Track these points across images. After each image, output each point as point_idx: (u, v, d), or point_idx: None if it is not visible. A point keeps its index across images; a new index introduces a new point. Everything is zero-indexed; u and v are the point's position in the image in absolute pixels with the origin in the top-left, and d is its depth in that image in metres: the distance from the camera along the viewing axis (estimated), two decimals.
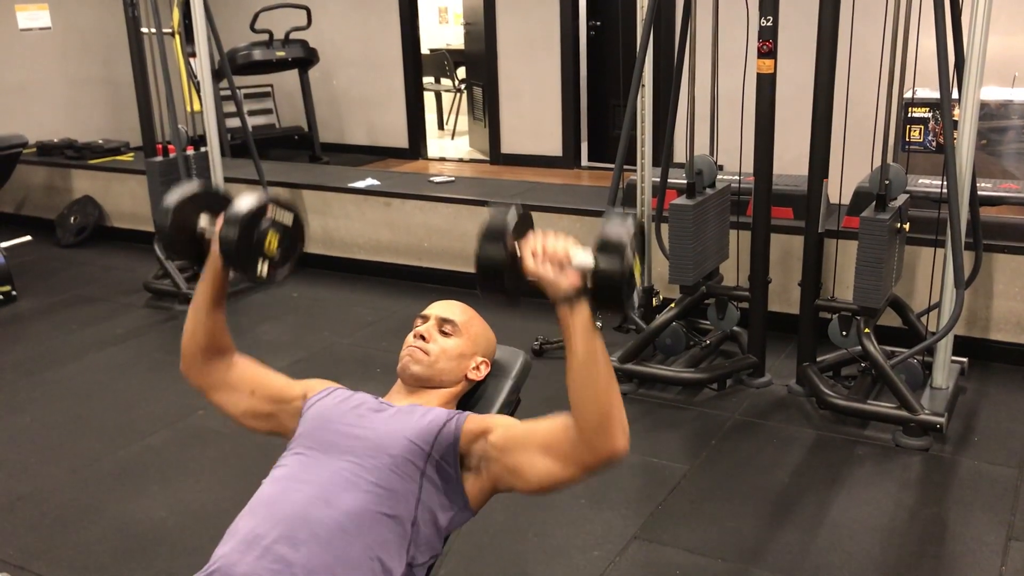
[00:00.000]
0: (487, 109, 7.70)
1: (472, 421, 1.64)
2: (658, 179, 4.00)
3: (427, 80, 8.98)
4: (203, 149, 5.09)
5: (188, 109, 5.56)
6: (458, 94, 9.43)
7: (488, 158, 7.80)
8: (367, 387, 1.84)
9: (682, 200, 3.68)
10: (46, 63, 7.50)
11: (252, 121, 7.19)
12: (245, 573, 1.47)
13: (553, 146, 7.43)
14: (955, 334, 3.45)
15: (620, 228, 1.44)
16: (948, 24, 3.13)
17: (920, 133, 4.97)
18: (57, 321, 4.83)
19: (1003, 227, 3.85)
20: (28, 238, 5.68)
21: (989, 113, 4.88)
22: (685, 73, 3.80)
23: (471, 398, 1.88)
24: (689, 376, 3.70)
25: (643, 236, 1.54)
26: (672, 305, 3.86)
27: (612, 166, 3.82)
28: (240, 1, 7.71)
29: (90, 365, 4.25)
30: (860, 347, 3.40)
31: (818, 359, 3.63)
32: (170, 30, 5.04)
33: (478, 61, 7.83)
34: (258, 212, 1.67)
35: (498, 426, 1.61)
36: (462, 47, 8.73)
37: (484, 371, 1.85)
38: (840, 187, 3.67)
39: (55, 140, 6.70)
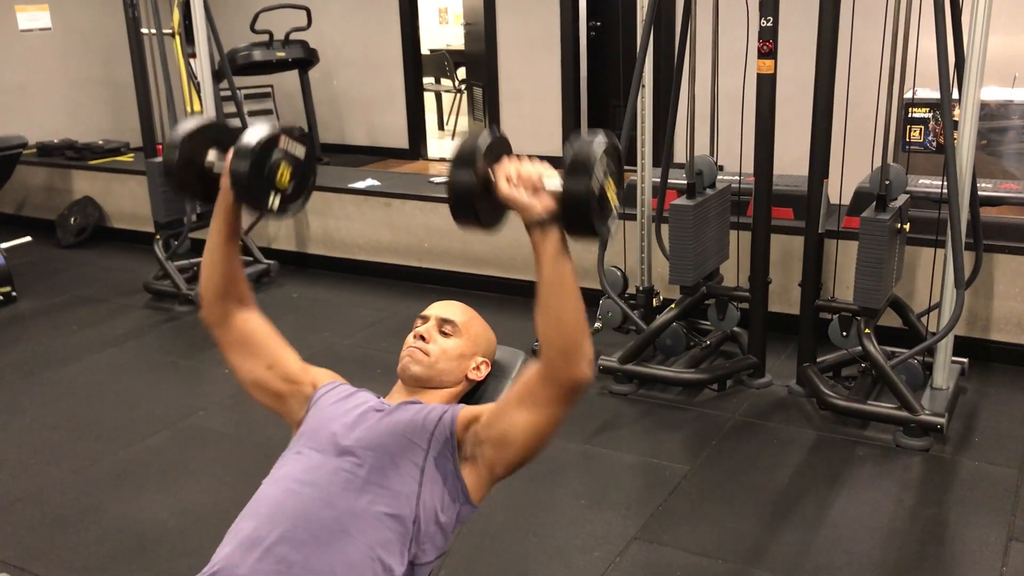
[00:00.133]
0: (487, 110, 7.70)
1: (465, 411, 1.65)
2: (658, 179, 4.00)
3: (427, 80, 8.98)
4: None
5: (188, 110, 5.55)
6: (458, 95, 9.43)
7: None
8: (367, 388, 1.84)
9: (682, 200, 3.68)
10: (46, 64, 7.49)
11: (252, 122, 7.17)
12: (246, 574, 1.47)
13: (553, 146, 7.42)
14: (955, 334, 3.45)
15: (588, 148, 1.40)
16: (948, 24, 3.13)
17: (920, 133, 4.97)
18: (57, 322, 4.83)
19: (1003, 227, 3.85)
20: (28, 239, 5.68)
21: (989, 113, 4.88)
22: (685, 73, 3.80)
23: (471, 399, 1.88)
24: (689, 377, 3.70)
25: (619, 157, 1.49)
26: (672, 306, 3.86)
27: None
28: (240, 2, 7.70)
29: (90, 366, 4.25)
30: (860, 347, 3.40)
31: (818, 360, 3.63)
32: (170, 31, 5.04)
33: (478, 61, 7.83)
34: (269, 144, 1.62)
35: (486, 411, 1.63)
36: (462, 47, 8.73)
37: (484, 371, 1.85)
38: (840, 187, 3.67)
39: (55, 141, 6.71)
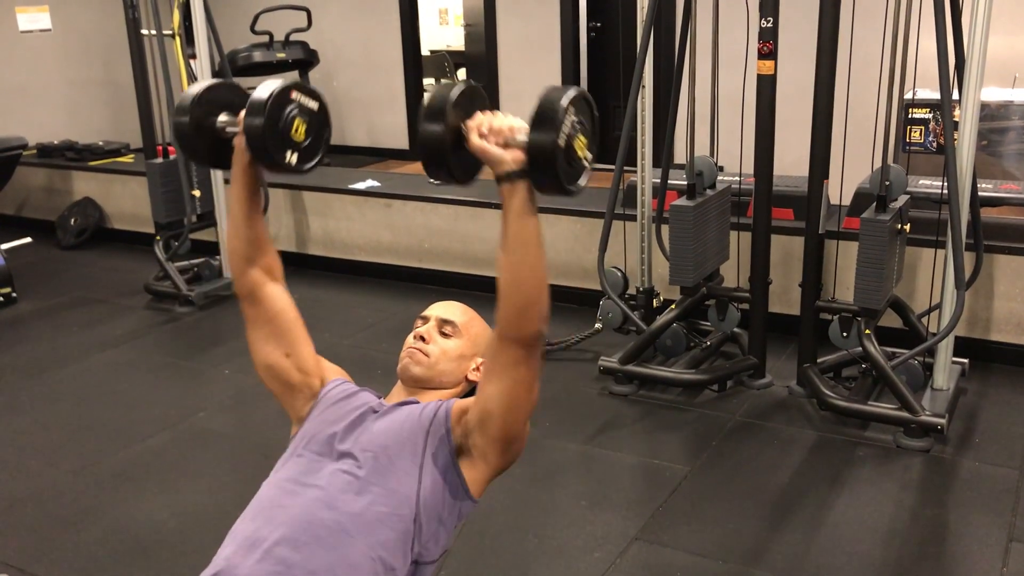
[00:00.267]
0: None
1: (458, 404, 1.65)
2: (658, 180, 4.00)
3: (427, 81, 8.97)
4: None
5: None
6: None
7: None
8: (369, 388, 1.84)
9: (682, 201, 3.68)
10: (46, 65, 7.50)
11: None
12: (246, 575, 1.47)
13: None
14: (956, 335, 3.45)
15: (554, 99, 1.39)
16: (948, 25, 3.13)
17: (920, 134, 4.97)
18: (57, 323, 4.83)
19: (1004, 228, 3.84)
20: (28, 240, 5.68)
21: (990, 114, 4.88)
22: (685, 74, 3.80)
23: None
24: (690, 377, 3.70)
25: (591, 110, 1.47)
26: (672, 306, 3.86)
27: (612, 167, 3.82)
28: (240, 3, 7.71)
29: (90, 367, 4.25)
30: (861, 348, 3.40)
31: (819, 360, 3.63)
32: (170, 32, 5.03)
33: (478, 62, 7.83)
34: (282, 97, 1.60)
35: (473, 401, 1.63)
36: (462, 48, 8.74)
37: None
38: (840, 188, 3.67)
39: (55, 142, 6.70)
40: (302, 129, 1.64)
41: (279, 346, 1.77)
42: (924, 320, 3.67)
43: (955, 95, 3.25)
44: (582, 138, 1.42)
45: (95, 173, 6.35)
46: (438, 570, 1.68)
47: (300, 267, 5.53)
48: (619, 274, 4.01)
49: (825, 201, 3.54)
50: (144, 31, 4.94)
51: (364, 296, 5.13)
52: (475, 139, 1.43)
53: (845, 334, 3.45)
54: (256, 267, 1.75)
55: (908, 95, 3.84)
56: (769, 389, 3.74)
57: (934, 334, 3.41)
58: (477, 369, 1.83)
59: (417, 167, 7.84)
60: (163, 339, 4.61)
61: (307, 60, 7.50)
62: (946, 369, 3.46)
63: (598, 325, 4.03)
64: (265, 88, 1.60)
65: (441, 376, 1.76)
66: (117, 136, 7.19)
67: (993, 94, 4.89)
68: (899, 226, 3.36)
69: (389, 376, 1.81)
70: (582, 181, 1.46)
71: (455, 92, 1.43)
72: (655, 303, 4.08)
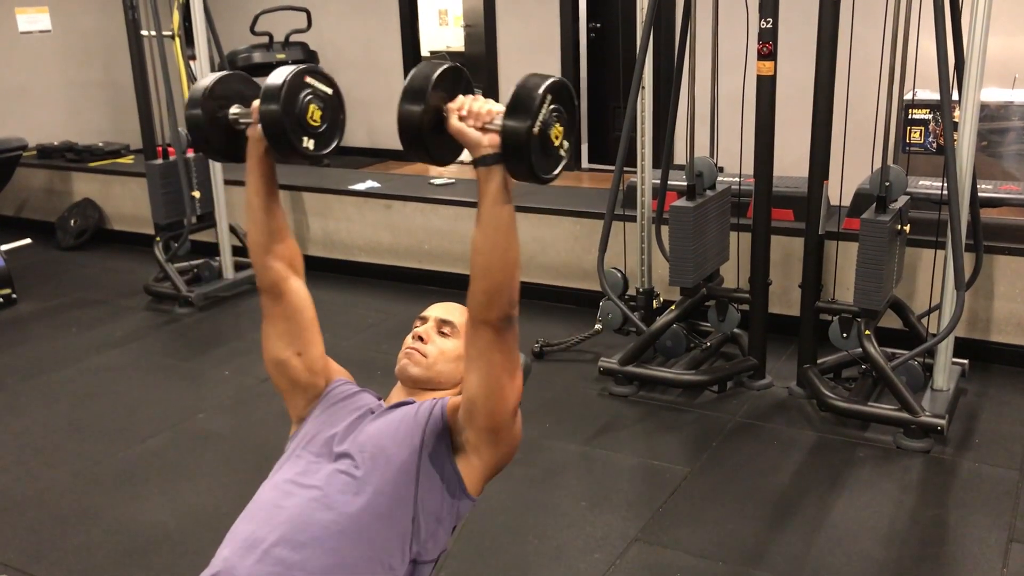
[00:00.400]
0: None
1: (453, 400, 1.65)
2: (658, 181, 4.00)
3: None
4: None
5: None
6: None
7: None
8: (369, 388, 1.84)
9: (682, 202, 3.68)
10: (46, 66, 7.50)
11: None
12: None
13: None
14: (956, 336, 3.45)
15: (530, 85, 1.38)
16: (948, 25, 3.13)
17: (920, 135, 4.97)
18: (57, 324, 4.83)
19: (1003, 229, 3.84)
20: (28, 241, 5.68)
21: (989, 115, 4.88)
22: (685, 75, 3.80)
23: None
24: (690, 378, 3.69)
25: (571, 101, 1.46)
26: (672, 307, 3.86)
27: (612, 168, 3.81)
28: (240, 4, 7.71)
29: (90, 368, 4.25)
30: (861, 349, 3.40)
31: (819, 361, 3.63)
32: (170, 33, 5.03)
33: (478, 63, 7.83)
34: (296, 83, 1.59)
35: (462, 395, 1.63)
36: (462, 49, 8.73)
37: None
38: (840, 189, 3.67)
39: (55, 143, 6.70)
40: (317, 114, 1.62)
41: (292, 344, 1.77)
42: (924, 321, 3.67)
43: (955, 96, 3.25)
44: (559, 127, 1.42)
45: (95, 174, 6.35)
46: (437, 571, 1.68)
47: None
48: (619, 275, 4.01)
49: (825, 202, 3.54)
50: (144, 32, 4.94)
51: (364, 297, 5.13)
52: (454, 121, 1.44)
53: (845, 335, 3.45)
54: (278, 259, 1.75)
55: (908, 96, 3.85)
56: (769, 390, 3.74)
57: (934, 335, 3.41)
58: None
59: (417, 168, 7.84)
60: (163, 340, 4.60)
61: (307, 61, 7.50)
62: (946, 370, 3.46)
63: (598, 326, 4.03)
64: (279, 74, 1.58)
65: (439, 377, 1.76)
66: (117, 137, 7.19)
67: (993, 95, 4.89)
68: (899, 227, 3.36)
69: (389, 377, 1.80)
70: (557, 171, 1.46)
71: (436, 73, 1.43)
72: (655, 304, 4.08)
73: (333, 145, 1.66)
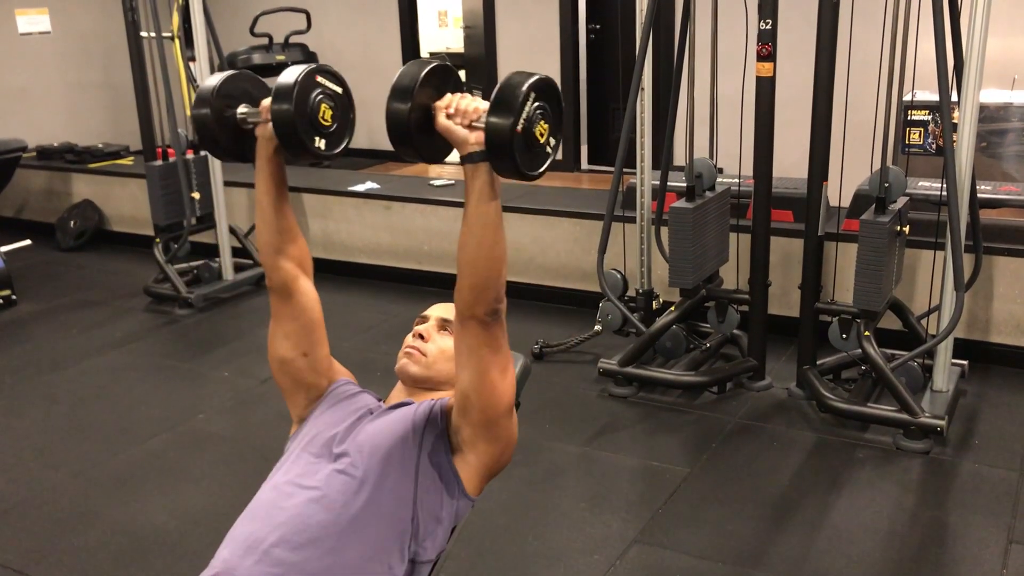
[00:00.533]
0: None
1: (451, 401, 1.65)
2: (658, 182, 4.00)
3: None
4: (203, 153, 5.09)
5: (188, 113, 5.56)
6: None
7: None
8: (369, 389, 1.85)
9: (682, 203, 3.68)
10: (46, 67, 7.50)
11: None
12: None
13: None
14: (955, 337, 3.45)
15: (514, 82, 1.39)
16: (947, 27, 3.13)
17: (920, 136, 4.97)
18: (57, 325, 4.83)
19: (1003, 230, 3.85)
20: (28, 242, 5.68)
21: (988, 116, 4.88)
22: (684, 76, 3.81)
23: None
24: (689, 379, 3.69)
25: (557, 99, 1.46)
26: (672, 308, 3.86)
27: (612, 169, 3.82)
28: (240, 5, 7.72)
29: (90, 369, 4.25)
30: (860, 350, 3.40)
31: (818, 362, 3.63)
32: (170, 34, 5.03)
33: (478, 64, 7.84)
34: (307, 82, 1.59)
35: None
36: (462, 50, 8.73)
37: None
38: (840, 190, 3.67)
39: (55, 144, 6.71)
40: (329, 114, 1.63)
41: (299, 344, 1.78)
42: (923, 322, 3.67)
43: (954, 97, 3.25)
44: (544, 124, 1.42)
45: (95, 175, 6.35)
46: (437, 571, 1.68)
47: None
48: (619, 276, 4.01)
49: (824, 203, 3.54)
50: (143, 33, 4.95)
51: (363, 298, 5.13)
52: (442, 119, 1.46)
53: (845, 336, 3.45)
54: (289, 259, 1.76)
55: (907, 97, 3.85)
56: (769, 391, 3.74)
57: (933, 336, 3.41)
58: None
59: (417, 169, 7.85)
60: (162, 341, 4.60)
61: (306, 62, 7.49)
62: (945, 371, 3.46)
63: (598, 327, 4.03)
64: (291, 73, 1.58)
65: (439, 376, 1.76)
66: (117, 138, 7.19)
67: (992, 96, 4.89)
68: (898, 228, 3.36)
69: (389, 377, 1.81)
70: (542, 169, 1.46)
71: (423, 72, 1.44)
72: (655, 305, 4.08)
73: (344, 145, 1.67)
